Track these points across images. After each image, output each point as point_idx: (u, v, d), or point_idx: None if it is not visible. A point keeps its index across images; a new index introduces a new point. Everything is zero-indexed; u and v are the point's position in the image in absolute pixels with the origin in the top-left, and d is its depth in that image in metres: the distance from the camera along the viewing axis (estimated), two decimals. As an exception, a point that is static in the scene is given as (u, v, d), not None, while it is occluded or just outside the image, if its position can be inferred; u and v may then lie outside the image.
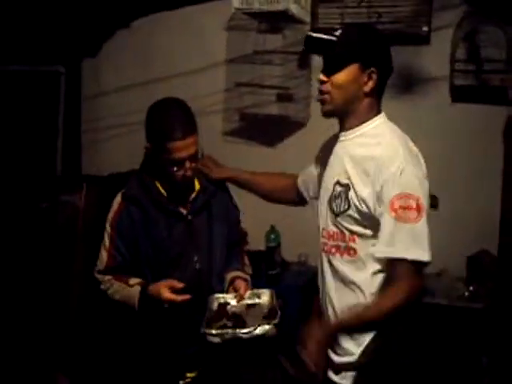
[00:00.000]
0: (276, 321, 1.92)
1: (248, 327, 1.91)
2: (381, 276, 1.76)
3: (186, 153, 2.00)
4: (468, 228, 3.47)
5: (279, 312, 1.98)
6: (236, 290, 2.15)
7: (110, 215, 2.14)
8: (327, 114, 1.84)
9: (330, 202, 1.85)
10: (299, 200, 2.28)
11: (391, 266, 1.68)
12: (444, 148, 3.63)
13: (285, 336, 3.20)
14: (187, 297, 1.98)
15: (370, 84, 1.75)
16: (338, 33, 1.77)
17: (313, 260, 3.66)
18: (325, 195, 1.90)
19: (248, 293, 2.14)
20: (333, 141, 1.93)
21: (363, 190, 1.71)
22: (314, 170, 2.13)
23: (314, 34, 1.79)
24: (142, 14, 4.23)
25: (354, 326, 1.69)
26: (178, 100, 2.11)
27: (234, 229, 2.34)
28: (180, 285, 1.99)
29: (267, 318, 1.96)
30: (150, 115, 2.08)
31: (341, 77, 1.75)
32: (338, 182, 1.80)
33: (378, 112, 1.83)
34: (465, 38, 3.48)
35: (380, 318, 1.62)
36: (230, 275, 2.22)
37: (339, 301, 1.85)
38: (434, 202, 3.61)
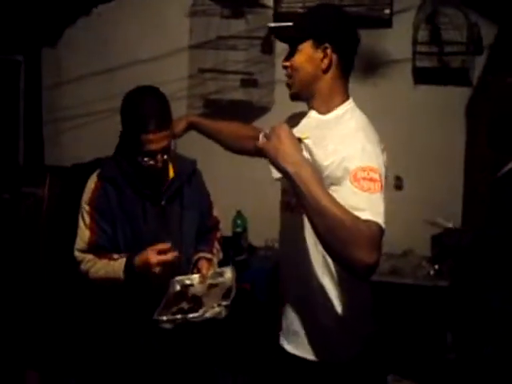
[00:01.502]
0: (226, 302, 1.94)
1: (199, 311, 1.93)
2: None
3: (158, 145, 1.99)
4: (432, 208, 3.52)
5: (233, 291, 2.01)
6: (199, 271, 2.16)
7: (87, 195, 2.10)
8: (293, 98, 1.83)
9: None
10: (257, 152, 2.20)
11: None
12: (408, 129, 3.67)
13: (255, 319, 3.26)
14: (176, 253, 1.98)
15: (326, 61, 1.72)
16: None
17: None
18: None
19: (210, 273, 2.16)
20: (300, 116, 1.88)
21: (323, 163, 1.66)
22: None
23: (273, 24, 1.81)
24: (103, 1, 4.16)
25: (306, 185, 1.46)
26: (155, 90, 2.07)
27: (205, 216, 2.34)
28: (166, 245, 1.98)
29: (224, 298, 1.99)
30: (125, 103, 2.03)
31: (297, 58, 1.75)
32: None
33: (346, 98, 1.80)
34: (426, 21, 3.51)
35: (327, 213, 1.43)
36: (195, 257, 2.23)
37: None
38: (398, 183, 3.71)
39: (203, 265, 2.18)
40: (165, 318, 1.92)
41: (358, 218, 1.46)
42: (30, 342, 3.44)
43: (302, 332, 1.85)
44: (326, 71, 1.74)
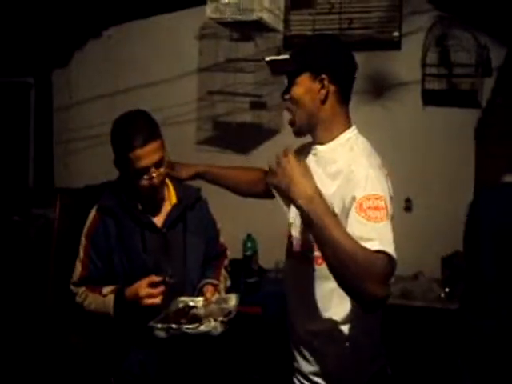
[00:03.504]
0: (222, 318, 1.94)
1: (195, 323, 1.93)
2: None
3: (149, 160, 1.99)
4: (442, 229, 3.50)
5: (233, 312, 2.00)
6: (204, 295, 2.14)
7: (86, 228, 2.13)
8: (297, 134, 1.84)
9: None
10: (266, 194, 2.15)
11: None
12: (417, 151, 3.67)
13: (266, 342, 3.23)
14: (162, 288, 1.98)
15: (323, 92, 1.73)
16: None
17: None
18: None
19: (215, 297, 2.13)
20: (306, 150, 1.90)
21: (332, 199, 1.68)
22: None
23: (269, 58, 1.82)
24: (113, 23, 4.21)
25: (321, 222, 1.46)
26: (138, 111, 2.11)
27: (211, 244, 2.32)
28: (158, 278, 1.98)
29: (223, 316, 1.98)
30: (112, 130, 2.08)
31: (295, 90, 1.76)
32: None
33: (348, 125, 1.80)
34: (435, 43, 3.53)
35: (338, 246, 1.43)
36: (200, 284, 2.20)
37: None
38: (408, 205, 3.70)
39: (208, 289, 2.15)
40: (159, 325, 1.91)
41: (369, 251, 1.46)
42: (35, 364, 3.42)
43: (314, 364, 1.84)
44: (324, 101, 1.75)
